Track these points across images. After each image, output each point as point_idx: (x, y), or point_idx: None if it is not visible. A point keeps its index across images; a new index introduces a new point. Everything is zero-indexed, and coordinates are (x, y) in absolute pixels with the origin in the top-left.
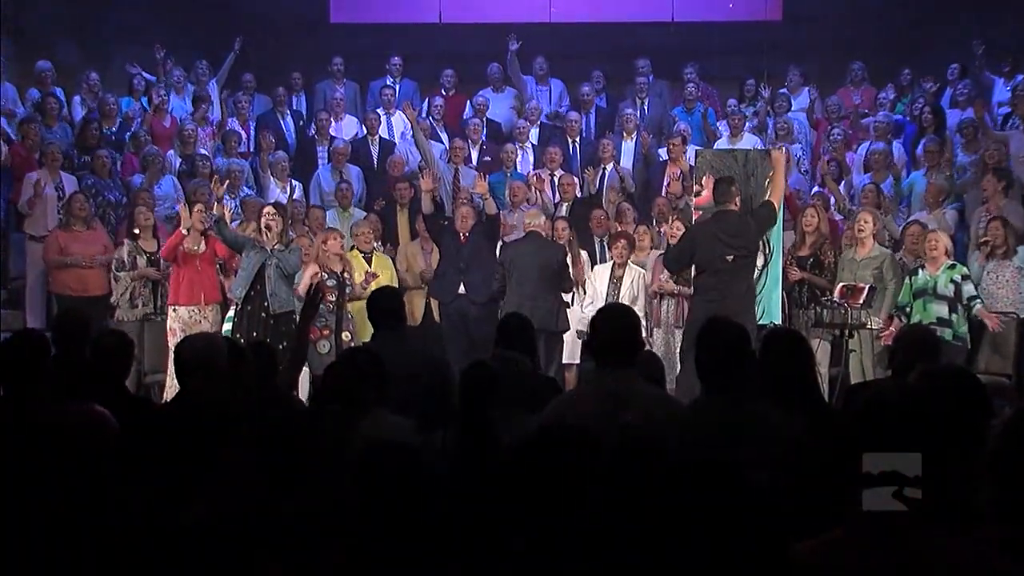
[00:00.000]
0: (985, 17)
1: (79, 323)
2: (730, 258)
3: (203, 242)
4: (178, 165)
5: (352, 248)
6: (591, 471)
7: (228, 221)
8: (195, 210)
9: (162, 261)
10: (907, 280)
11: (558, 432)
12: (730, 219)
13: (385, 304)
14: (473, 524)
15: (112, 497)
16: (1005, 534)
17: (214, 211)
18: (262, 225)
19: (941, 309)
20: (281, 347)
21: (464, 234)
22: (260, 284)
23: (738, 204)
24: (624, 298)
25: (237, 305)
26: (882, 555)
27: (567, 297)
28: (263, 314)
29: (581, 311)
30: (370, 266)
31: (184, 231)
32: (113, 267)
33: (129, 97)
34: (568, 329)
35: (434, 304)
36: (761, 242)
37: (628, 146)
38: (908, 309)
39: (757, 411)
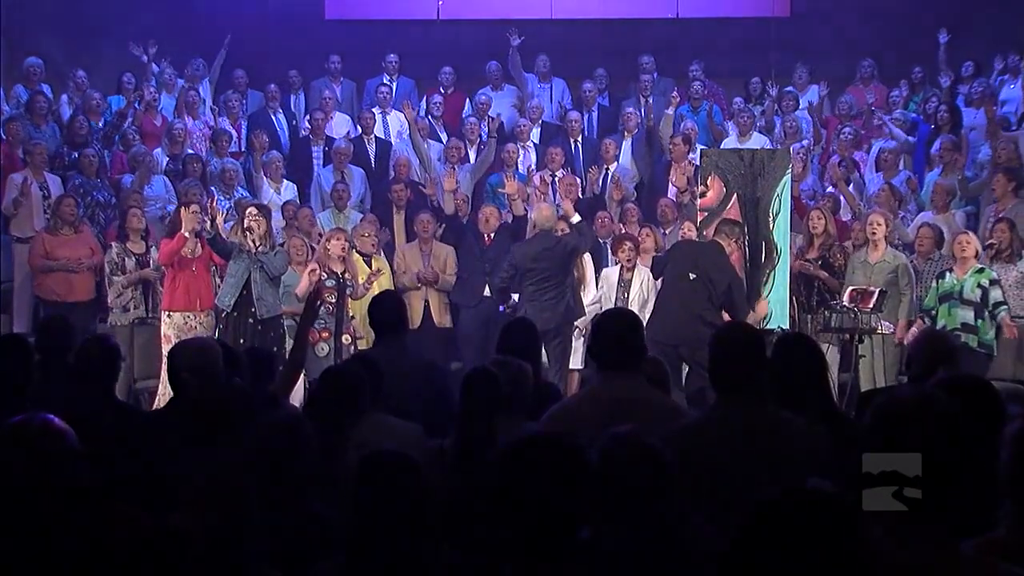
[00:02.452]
0: (997, 17)
1: (62, 330)
2: (692, 276)
3: (199, 246)
4: (165, 164)
5: (352, 249)
6: (578, 480)
7: (221, 226)
8: (189, 211)
9: (152, 263)
10: (934, 283)
11: (535, 442)
12: (714, 249)
13: (387, 310)
14: (472, 530)
15: (92, 506)
16: (1015, 542)
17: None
18: (244, 227)
19: (967, 314)
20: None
21: (488, 235)
22: (246, 290)
23: (733, 247)
24: (634, 302)
25: (223, 312)
26: (890, 568)
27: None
28: (250, 320)
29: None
30: (370, 268)
31: (186, 235)
32: (107, 271)
33: (119, 96)
34: (583, 315)
35: (433, 307)
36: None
37: (630, 146)
38: (934, 313)
39: (781, 417)
